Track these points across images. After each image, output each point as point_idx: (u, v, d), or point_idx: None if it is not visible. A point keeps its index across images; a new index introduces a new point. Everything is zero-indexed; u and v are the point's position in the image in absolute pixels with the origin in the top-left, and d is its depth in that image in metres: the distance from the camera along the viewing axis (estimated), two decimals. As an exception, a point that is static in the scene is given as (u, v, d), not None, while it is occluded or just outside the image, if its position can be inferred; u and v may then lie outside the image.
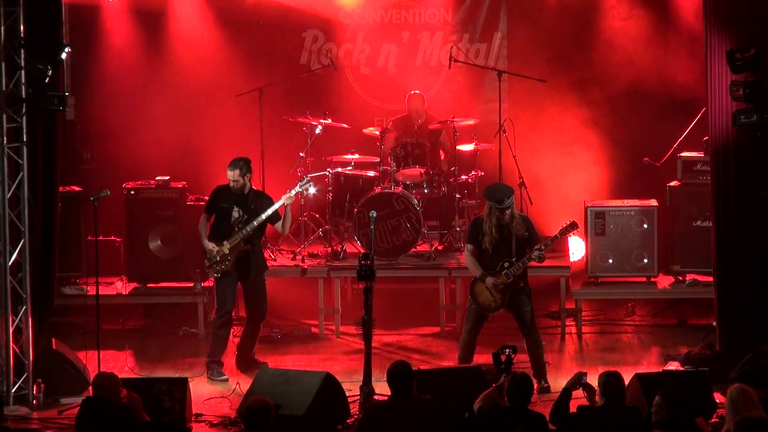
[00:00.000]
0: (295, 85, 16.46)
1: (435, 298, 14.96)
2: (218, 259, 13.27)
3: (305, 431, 11.34)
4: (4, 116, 12.41)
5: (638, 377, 11.56)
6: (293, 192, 13.40)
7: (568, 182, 16.03)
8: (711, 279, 13.53)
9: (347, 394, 11.95)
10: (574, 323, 14.75)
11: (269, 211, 13.23)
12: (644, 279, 14.95)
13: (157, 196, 15.00)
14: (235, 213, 13.30)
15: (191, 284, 14.83)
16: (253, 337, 13.64)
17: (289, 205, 13.33)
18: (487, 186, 13.11)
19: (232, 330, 13.78)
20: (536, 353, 12.76)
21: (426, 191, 15.29)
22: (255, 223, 13.23)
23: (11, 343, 12.52)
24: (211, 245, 13.28)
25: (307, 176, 14.28)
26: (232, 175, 13.25)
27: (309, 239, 15.58)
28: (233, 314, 13.87)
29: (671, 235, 15.01)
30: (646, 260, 14.84)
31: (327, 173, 15.38)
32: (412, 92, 16.00)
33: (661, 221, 14.94)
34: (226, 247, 13.26)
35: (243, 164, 13.27)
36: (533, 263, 12.70)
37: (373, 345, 12.07)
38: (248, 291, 13.52)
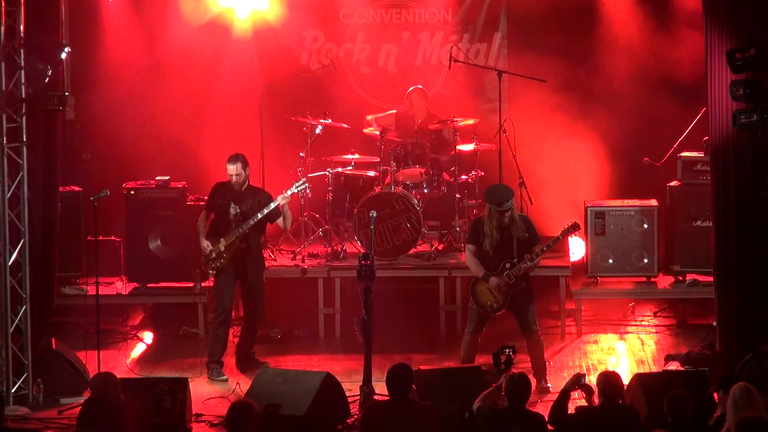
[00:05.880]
0: (295, 85, 16.46)
1: (435, 298, 14.96)
2: (213, 256, 13.27)
3: (305, 431, 11.34)
4: (4, 116, 12.41)
5: (638, 377, 11.57)
6: (289, 192, 13.37)
7: (568, 182, 16.02)
8: (711, 279, 13.52)
9: (347, 394, 11.96)
10: (574, 323, 14.75)
11: (265, 211, 13.23)
12: (644, 279, 14.94)
13: (157, 196, 14.99)
14: (232, 210, 13.29)
15: (191, 284, 14.83)
16: (252, 336, 13.65)
17: (287, 203, 13.33)
18: (487, 187, 13.11)
19: (231, 330, 13.79)
20: (536, 353, 12.76)
21: (426, 191, 15.28)
22: (252, 221, 13.23)
23: (11, 343, 12.53)
24: (206, 243, 13.29)
25: (303, 177, 14.21)
26: (234, 169, 13.24)
27: (309, 239, 15.57)
28: (233, 314, 13.88)
29: (671, 235, 15.01)
30: (646, 260, 14.84)
31: (327, 173, 15.38)
32: (413, 87, 15.98)
33: (661, 221, 14.94)
34: (222, 244, 13.26)
35: (242, 158, 13.30)
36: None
37: (372, 345, 12.06)
38: (246, 290, 13.53)
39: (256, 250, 13.48)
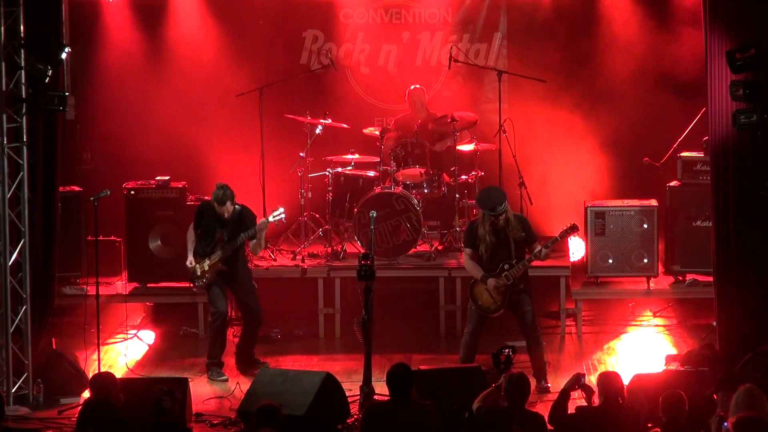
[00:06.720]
0: (295, 85, 16.45)
1: (435, 298, 14.96)
2: (198, 274, 13.34)
3: (305, 431, 11.34)
4: (4, 116, 12.42)
5: (638, 377, 11.57)
6: (268, 220, 13.30)
7: (568, 182, 16.02)
8: (711, 279, 13.52)
9: (347, 394, 11.95)
10: (574, 323, 14.76)
11: (243, 236, 13.23)
12: (644, 279, 14.94)
13: (157, 196, 15.00)
14: (218, 234, 13.30)
15: (191, 284, 14.82)
16: (252, 338, 13.65)
17: (264, 231, 13.29)
18: (479, 191, 13.10)
19: (230, 330, 13.80)
20: (536, 353, 12.76)
21: (426, 191, 15.28)
22: (234, 244, 13.23)
23: (11, 343, 12.53)
24: (190, 259, 13.36)
25: (280, 207, 13.84)
26: (225, 211, 13.20)
27: (309, 239, 15.57)
28: (232, 315, 13.87)
29: (671, 235, 15.01)
30: (646, 260, 14.84)
31: (327, 173, 15.38)
32: (413, 87, 15.99)
33: (661, 221, 14.94)
34: (206, 264, 13.31)
35: (231, 194, 13.21)
36: (535, 262, 12.69)
37: (372, 345, 12.07)
38: (240, 298, 13.57)
39: (242, 259, 13.51)
